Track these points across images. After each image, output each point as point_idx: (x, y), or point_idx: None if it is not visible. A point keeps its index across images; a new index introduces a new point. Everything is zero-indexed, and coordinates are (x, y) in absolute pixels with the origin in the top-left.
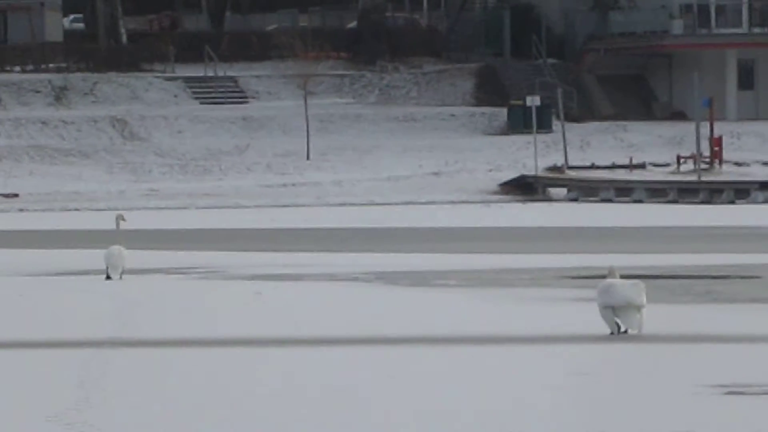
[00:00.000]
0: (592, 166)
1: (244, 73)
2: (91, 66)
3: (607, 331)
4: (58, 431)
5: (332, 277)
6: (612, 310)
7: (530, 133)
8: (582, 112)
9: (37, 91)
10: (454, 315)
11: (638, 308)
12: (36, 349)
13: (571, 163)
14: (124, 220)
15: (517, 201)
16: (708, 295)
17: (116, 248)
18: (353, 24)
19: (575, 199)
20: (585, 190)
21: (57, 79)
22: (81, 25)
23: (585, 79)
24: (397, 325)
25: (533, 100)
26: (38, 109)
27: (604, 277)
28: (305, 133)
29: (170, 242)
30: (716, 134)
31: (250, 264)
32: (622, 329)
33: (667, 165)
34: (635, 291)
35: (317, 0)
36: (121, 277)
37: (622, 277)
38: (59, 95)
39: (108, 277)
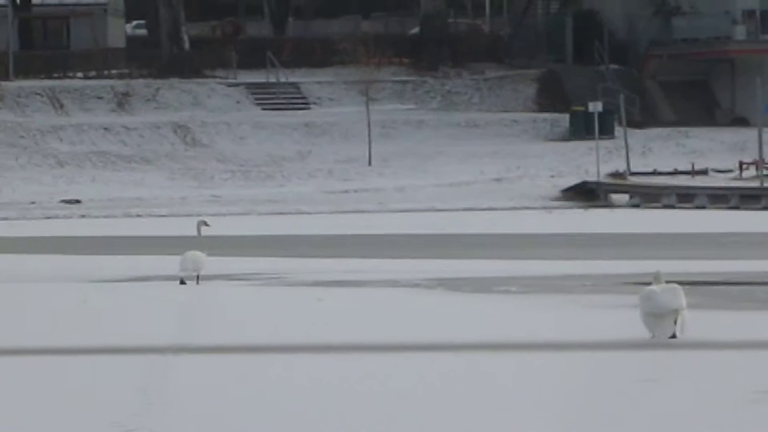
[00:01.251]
0: (654, 172)
1: (306, 79)
2: (154, 72)
3: (649, 335)
4: None
5: (394, 284)
6: (654, 317)
7: (592, 139)
8: (644, 118)
9: (100, 97)
10: (515, 321)
11: (677, 312)
12: (100, 355)
13: (633, 169)
14: (207, 225)
15: (579, 207)
16: None
17: (193, 253)
18: (415, 30)
19: (637, 206)
20: (647, 197)
21: (119, 85)
22: (144, 32)
23: (647, 84)
24: (459, 331)
25: (595, 106)
26: (101, 115)
27: (650, 283)
28: (367, 139)
29: (232, 248)
30: None
31: (311, 270)
32: (669, 335)
33: (729, 171)
34: (673, 296)
35: (380, 6)
36: (198, 283)
37: (680, 283)
38: (121, 101)
39: (182, 282)
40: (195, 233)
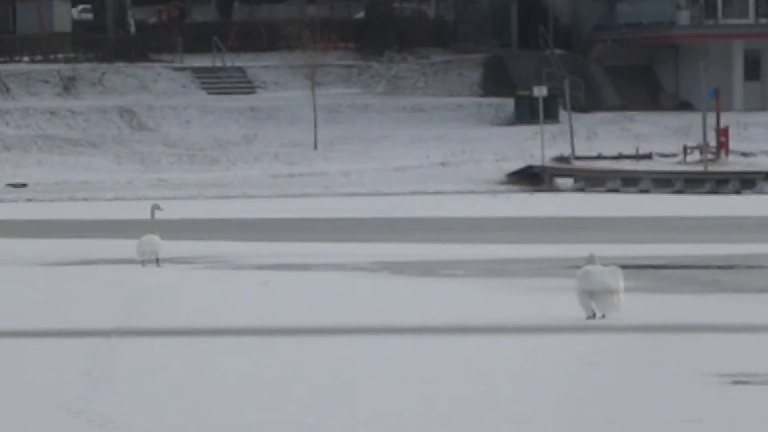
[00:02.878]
0: (599, 157)
1: (251, 63)
2: (100, 56)
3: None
4: (67, 420)
5: (339, 267)
6: (589, 295)
7: (537, 123)
8: (589, 102)
9: (46, 81)
10: (460, 305)
11: (615, 293)
12: (43, 338)
13: (578, 153)
14: (160, 209)
15: (524, 191)
16: (714, 285)
17: (149, 237)
18: (361, 14)
19: (582, 190)
20: (591, 181)
21: (65, 69)
22: (89, 16)
23: (592, 69)
24: (403, 315)
25: (540, 91)
26: (46, 99)
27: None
28: (313, 124)
29: (177, 232)
30: (723, 125)
31: (257, 254)
32: (599, 315)
33: (673, 155)
34: (612, 276)
35: None
36: (158, 265)
37: (625, 266)
38: (67, 85)
39: (143, 266)
40: (148, 217)
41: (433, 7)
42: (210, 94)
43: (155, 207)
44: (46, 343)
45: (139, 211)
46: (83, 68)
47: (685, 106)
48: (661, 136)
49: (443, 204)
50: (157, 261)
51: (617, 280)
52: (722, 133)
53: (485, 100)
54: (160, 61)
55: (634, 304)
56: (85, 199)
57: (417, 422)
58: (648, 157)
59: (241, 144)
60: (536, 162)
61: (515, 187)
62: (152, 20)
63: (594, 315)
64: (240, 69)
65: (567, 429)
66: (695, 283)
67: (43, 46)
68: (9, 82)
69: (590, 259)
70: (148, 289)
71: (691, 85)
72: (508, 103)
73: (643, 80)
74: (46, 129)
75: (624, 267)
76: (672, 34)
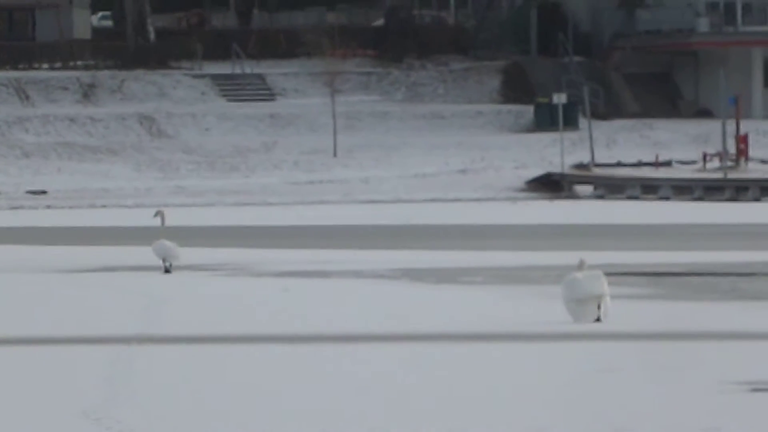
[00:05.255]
0: (618, 164)
1: (271, 70)
2: (119, 63)
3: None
4: (87, 427)
5: (359, 274)
6: (576, 302)
7: (557, 130)
8: (608, 109)
9: (65, 89)
10: (479, 312)
11: (600, 298)
12: (63, 346)
13: (598, 160)
14: (163, 216)
15: (544, 198)
16: (733, 293)
17: (164, 242)
18: (380, 22)
19: (601, 197)
20: (611, 188)
21: (85, 76)
22: (109, 23)
23: (611, 76)
24: (422, 322)
25: (560, 98)
26: (66, 106)
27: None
28: (332, 131)
29: (197, 239)
30: (742, 132)
31: (277, 261)
32: (594, 319)
33: (693, 162)
34: (595, 282)
35: None
36: (167, 270)
37: (644, 274)
38: (87, 93)
39: (167, 271)
40: (158, 225)
41: (453, 14)
42: (229, 101)
43: (160, 213)
44: (67, 350)
45: (159, 219)
46: (103, 75)
47: (704, 113)
48: (680, 144)
49: (462, 211)
50: (170, 267)
51: (601, 285)
52: (742, 141)
53: (504, 107)
54: (179, 68)
55: (652, 312)
56: (104, 206)
57: (432, 429)
58: (667, 164)
59: (260, 151)
60: (556, 169)
61: (534, 195)
62: (172, 27)
63: (586, 320)
64: (259, 76)
65: None
66: (715, 291)
67: (63, 53)
68: (29, 89)
69: (580, 265)
70: (168, 297)
71: (711, 92)
72: (528, 111)
73: (662, 87)
74: (66, 136)
75: (643, 275)
76: (691, 41)
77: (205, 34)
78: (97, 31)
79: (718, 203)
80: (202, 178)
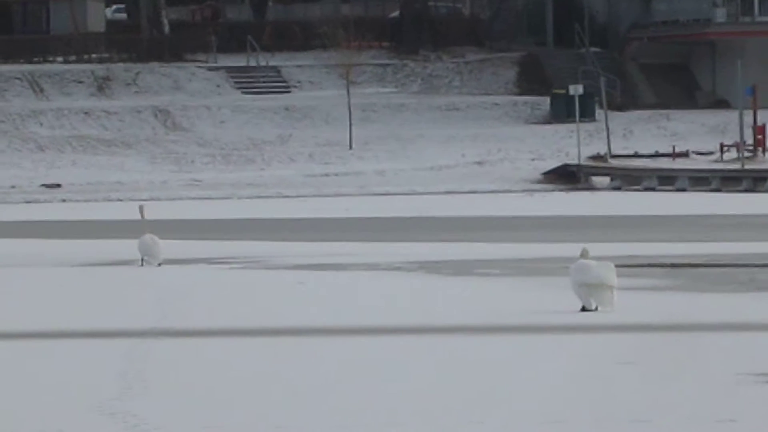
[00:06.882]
0: (635, 155)
1: (286, 62)
2: (134, 56)
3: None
4: (102, 420)
5: (374, 267)
6: (587, 288)
7: (573, 122)
8: (625, 100)
9: (80, 82)
10: (495, 303)
11: (610, 288)
12: (78, 339)
13: (614, 151)
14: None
15: (560, 190)
16: (752, 284)
17: (150, 237)
18: (395, 13)
19: (618, 188)
20: (628, 179)
21: (99, 69)
22: (123, 15)
23: (628, 67)
24: (438, 314)
25: (576, 89)
26: (81, 99)
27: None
28: (348, 123)
29: (213, 232)
30: (759, 122)
31: (292, 254)
32: (593, 307)
33: (710, 153)
34: (608, 271)
35: None
36: (159, 265)
37: (661, 265)
38: (101, 85)
39: (141, 265)
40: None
41: (468, 6)
42: (244, 93)
43: (142, 207)
44: (81, 344)
45: (174, 212)
46: (117, 68)
47: (721, 103)
48: (697, 134)
49: (479, 203)
50: (159, 263)
51: (612, 275)
52: (759, 131)
53: (520, 99)
54: (194, 60)
55: (670, 303)
56: (119, 200)
57: (451, 422)
58: (684, 155)
59: (275, 144)
60: (572, 161)
61: (551, 186)
62: (186, 19)
63: (594, 308)
64: (274, 68)
65: (600, 429)
66: (733, 282)
67: (77, 46)
68: (43, 82)
69: (584, 254)
70: (182, 290)
71: (728, 82)
72: (544, 102)
73: (679, 78)
74: (80, 129)
75: (660, 266)
76: (708, 31)
77: (219, 26)
78: (111, 23)
79: (735, 194)
80: (217, 170)
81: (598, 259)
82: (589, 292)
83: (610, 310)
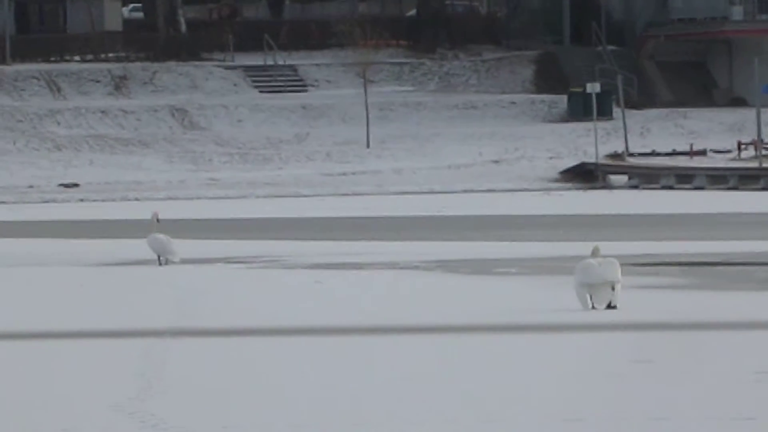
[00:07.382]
0: (653, 153)
1: (303, 61)
2: (151, 55)
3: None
4: (121, 420)
5: (393, 266)
6: (588, 287)
7: (590, 120)
8: (642, 98)
9: (97, 81)
10: (513, 302)
11: (613, 285)
12: (97, 339)
13: (632, 150)
14: (158, 219)
15: (578, 188)
16: None
17: (161, 235)
18: (412, 12)
19: (636, 187)
20: (645, 177)
21: (116, 68)
22: (140, 14)
23: (645, 65)
24: (455, 313)
25: (593, 87)
26: (98, 98)
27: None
28: (365, 122)
29: (230, 231)
30: None
31: (310, 253)
32: (600, 307)
33: (727, 151)
34: (610, 269)
35: None
36: (166, 262)
37: (679, 264)
38: (119, 84)
39: (160, 264)
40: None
41: (485, 4)
42: (262, 92)
43: (155, 216)
44: (100, 343)
45: (192, 211)
46: (134, 67)
47: (738, 101)
48: (714, 133)
49: (496, 202)
50: (164, 260)
51: (615, 272)
52: None
53: (538, 97)
54: (211, 59)
55: (688, 301)
56: (137, 199)
57: (469, 421)
58: (702, 153)
59: (293, 142)
60: (590, 159)
61: (568, 185)
62: (204, 18)
63: (592, 306)
64: (291, 67)
65: (619, 427)
66: (750, 280)
67: (94, 45)
68: (60, 81)
69: (595, 251)
70: (200, 289)
71: (745, 80)
72: (561, 100)
73: (696, 76)
74: (98, 128)
75: (678, 264)
76: (725, 29)
77: (236, 25)
78: (128, 22)
79: (753, 192)
80: (234, 170)
81: (609, 257)
82: (590, 292)
83: (615, 305)
